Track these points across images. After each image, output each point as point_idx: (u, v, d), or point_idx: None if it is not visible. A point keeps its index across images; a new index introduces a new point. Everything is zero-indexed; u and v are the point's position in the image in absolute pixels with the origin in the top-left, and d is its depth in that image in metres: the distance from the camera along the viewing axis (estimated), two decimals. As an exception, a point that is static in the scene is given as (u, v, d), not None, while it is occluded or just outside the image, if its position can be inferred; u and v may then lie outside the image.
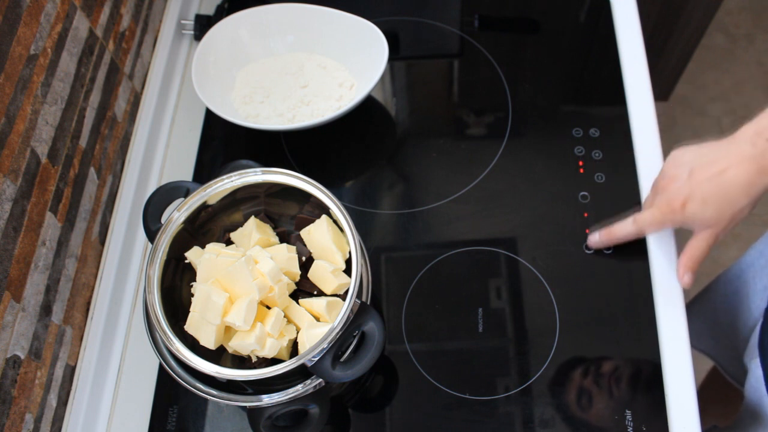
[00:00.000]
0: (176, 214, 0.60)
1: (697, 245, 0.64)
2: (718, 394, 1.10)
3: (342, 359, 0.54)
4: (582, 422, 0.64)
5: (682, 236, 0.70)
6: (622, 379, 0.66)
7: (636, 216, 0.68)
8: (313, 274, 0.61)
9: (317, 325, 0.57)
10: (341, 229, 0.61)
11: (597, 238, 0.71)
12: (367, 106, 0.86)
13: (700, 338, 0.94)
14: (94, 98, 0.72)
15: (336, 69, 0.84)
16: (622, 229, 0.69)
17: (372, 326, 0.54)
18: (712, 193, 0.60)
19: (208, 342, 0.56)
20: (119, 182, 0.79)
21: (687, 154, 0.63)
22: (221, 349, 0.58)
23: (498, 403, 0.66)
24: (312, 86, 0.83)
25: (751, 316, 0.82)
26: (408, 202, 0.78)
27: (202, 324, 0.56)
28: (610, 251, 0.72)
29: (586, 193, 0.76)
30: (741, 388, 0.82)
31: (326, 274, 0.59)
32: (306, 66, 0.85)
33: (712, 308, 0.93)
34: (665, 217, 0.64)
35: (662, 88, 1.75)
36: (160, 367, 0.69)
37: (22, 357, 0.58)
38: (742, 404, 0.80)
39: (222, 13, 0.92)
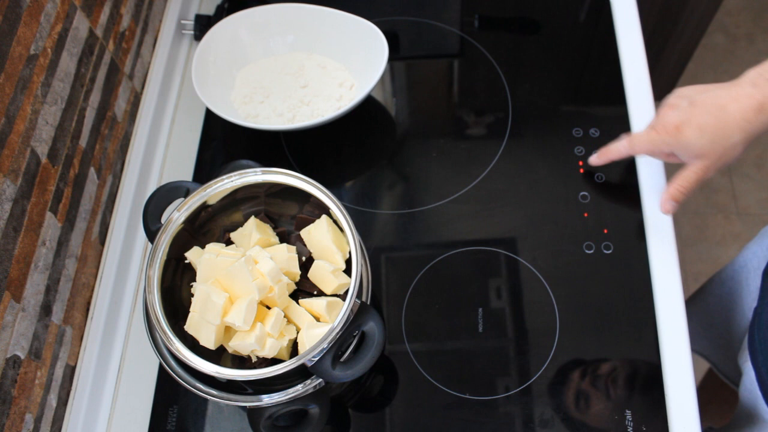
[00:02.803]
0: (176, 214, 0.60)
1: (686, 175, 0.66)
2: (715, 395, 1.10)
3: (342, 359, 0.54)
4: (582, 422, 0.64)
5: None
6: (622, 379, 0.66)
7: (632, 135, 0.69)
8: (313, 274, 0.61)
9: (317, 325, 0.57)
10: (341, 229, 0.61)
11: (595, 157, 0.74)
12: (367, 106, 0.86)
13: (695, 339, 0.95)
14: (94, 98, 0.72)
15: (336, 69, 0.84)
16: (616, 148, 0.71)
17: (372, 326, 0.54)
18: (709, 123, 0.61)
19: (208, 342, 0.56)
20: (119, 182, 0.79)
21: (690, 89, 0.65)
22: (221, 349, 0.58)
23: (498, 403, 0.66)
24: (312, 86, 0.83)
25: (744, 317, 0.82)
26: (408, 202, 0.78)
27: (202, 324, 0.56)
28: (609, 251, 0.72)
29: (586, 193, 0.76)
30: (736, 388, 0.82)
31: (326, 274, 0.59)
32: (306, 66, 0.85)
33: (706, 310, 0.93)
34: (659, 137, 0.65)
35: (662, 88, 1.75)
36: (160, 367, 0.69)
37: (22, 357, 0.58)
38: (737, 405, 0.80)
39: (222, 13, 0.92)
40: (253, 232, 0.62)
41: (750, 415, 0.75)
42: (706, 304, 0.94)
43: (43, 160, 0.62)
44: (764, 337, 0.68)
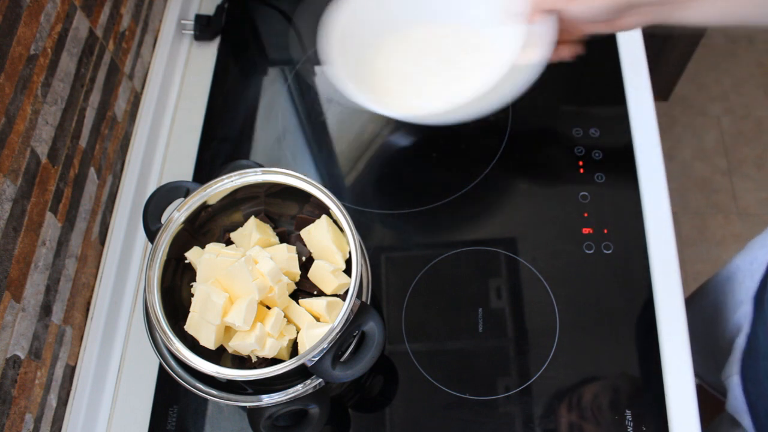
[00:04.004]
0: (176, 214, 0.60)
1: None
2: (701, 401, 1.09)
3: (342, 359, 0.54)
4: (582, 422, 0.64)
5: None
6: (621, 379, 0.66)
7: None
8: (313, 274, 0.61)
9: (317, 325, 0.57)
10: (341, 229, 0.61)
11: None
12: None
13: None
14: (94, 98, 0.72)
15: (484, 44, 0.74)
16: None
17: (372, 326, 0.54)
18: None
19: (208, 342, 0.56)
20: (119, 182, 0.79)
21: None
22: (221, 349, 0.58)
23: (498, 403, 0.66)
24: (457, 66, 0.74)
25: (727, 330, 0.81)
26: (408, 202, 0.78)
27: (202, 324, 0.56)
28: (609, 251, 0.72)
29: (586, 193, 0.76)
30: (722, 398, 0.82)
31: (326, 274, 0.59)
32: (448, 42, 0.75)
33: (690, 320, 0.92)
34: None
35: (662, 88, 1.75)
36: (160, 367, 0.69)
37: (22, 357, 0.58)
38: (720, 414, 0.80)
39: (222, 13, 0.92)
40: (253, 232, 0.62)
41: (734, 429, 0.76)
42: (690, 315, 0.93)
43: (43, 160, 0.62)
44: (762, 368, 0.67)
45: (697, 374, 0.94)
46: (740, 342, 0.74)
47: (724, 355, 0.80)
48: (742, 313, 0.79)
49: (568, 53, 0.68)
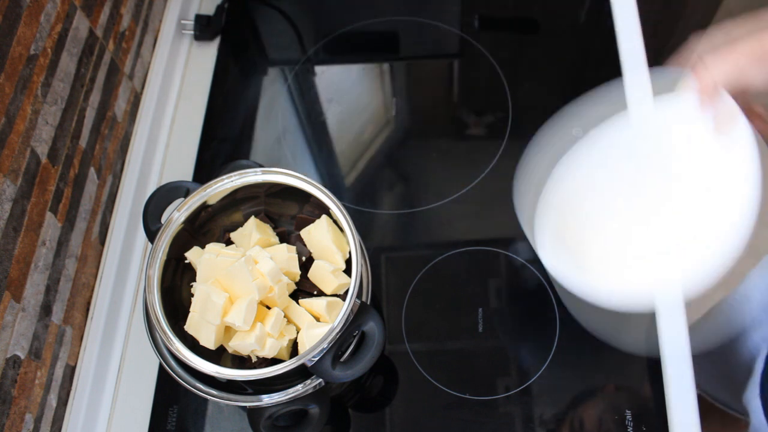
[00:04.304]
0: (176, 214, 0.60)
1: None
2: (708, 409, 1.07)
3: (342, 359, 0.54)
4: (582, 422, 0.64)
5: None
6: (621, 379, 0.66)
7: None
8: (313, 274, 0.61)
9: (317, 325, 0.57)
10: (341, 229, 0.61)
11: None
12: (367, 105, 0.86)
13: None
14: (94, 98, 0.72)
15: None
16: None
17: (372, 326, 0.54)
18: None
19: (208, 342, 0.56)
20: (119, 182, 0.79)
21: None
22: (221, 349, 0.58)
23: (498, 403, 0.66)
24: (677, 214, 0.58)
25: (747, 351, 0.80)
26: (408, 202, 0.78)
27: (202, 324, 0.56)
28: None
29: (586, 193, 0.76)
30: (743, 418, 0.81)
31: (326, 274, 0.59)
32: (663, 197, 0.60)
33: (700, 339, 0.90)
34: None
35: (662, 88, 1.75)
36: (160, 367, 0.69)
37: (22, 357, 0.58)
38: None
39: (222, 12, 0.92)
40: (253, 232, 0.62)
41: None
42: (704, 335, 0.90)
43: (43, 160, 0.62)
44: None
45: (715, 398, 0.92)
46: (760, 365, 0.73)
47: (743, 376, 0.78)
48: (760, 333, 0.77)
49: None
